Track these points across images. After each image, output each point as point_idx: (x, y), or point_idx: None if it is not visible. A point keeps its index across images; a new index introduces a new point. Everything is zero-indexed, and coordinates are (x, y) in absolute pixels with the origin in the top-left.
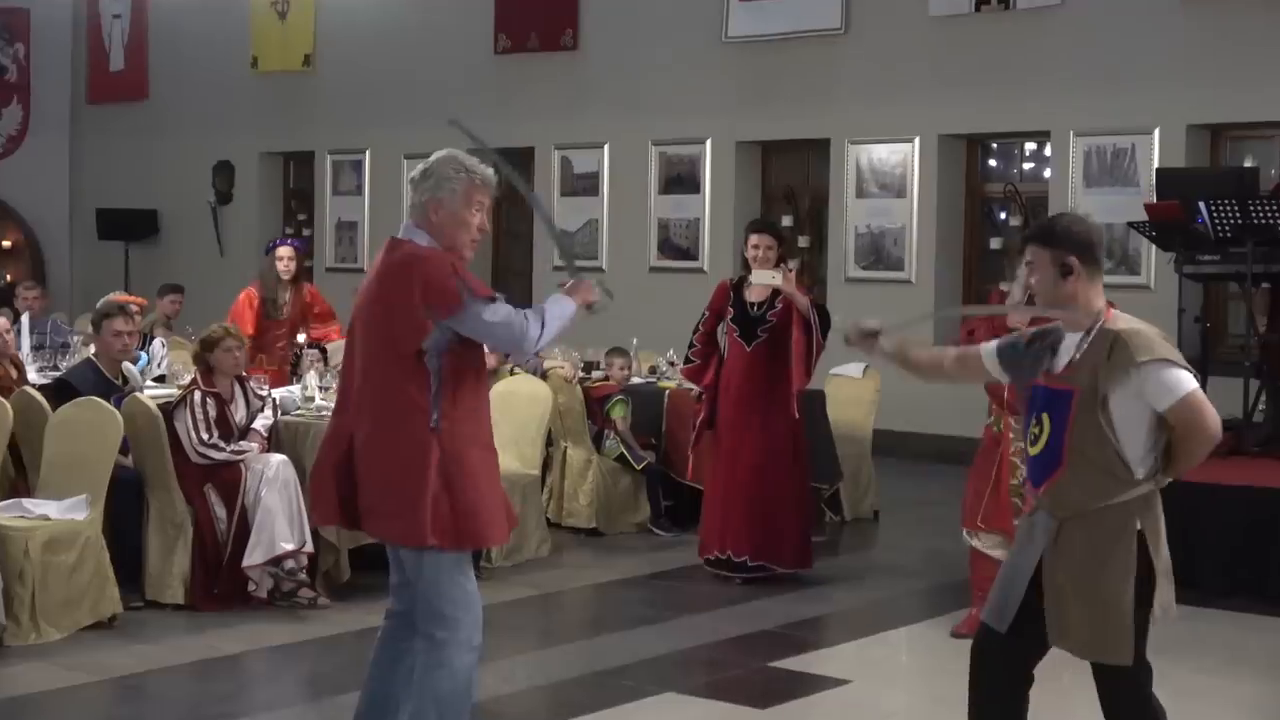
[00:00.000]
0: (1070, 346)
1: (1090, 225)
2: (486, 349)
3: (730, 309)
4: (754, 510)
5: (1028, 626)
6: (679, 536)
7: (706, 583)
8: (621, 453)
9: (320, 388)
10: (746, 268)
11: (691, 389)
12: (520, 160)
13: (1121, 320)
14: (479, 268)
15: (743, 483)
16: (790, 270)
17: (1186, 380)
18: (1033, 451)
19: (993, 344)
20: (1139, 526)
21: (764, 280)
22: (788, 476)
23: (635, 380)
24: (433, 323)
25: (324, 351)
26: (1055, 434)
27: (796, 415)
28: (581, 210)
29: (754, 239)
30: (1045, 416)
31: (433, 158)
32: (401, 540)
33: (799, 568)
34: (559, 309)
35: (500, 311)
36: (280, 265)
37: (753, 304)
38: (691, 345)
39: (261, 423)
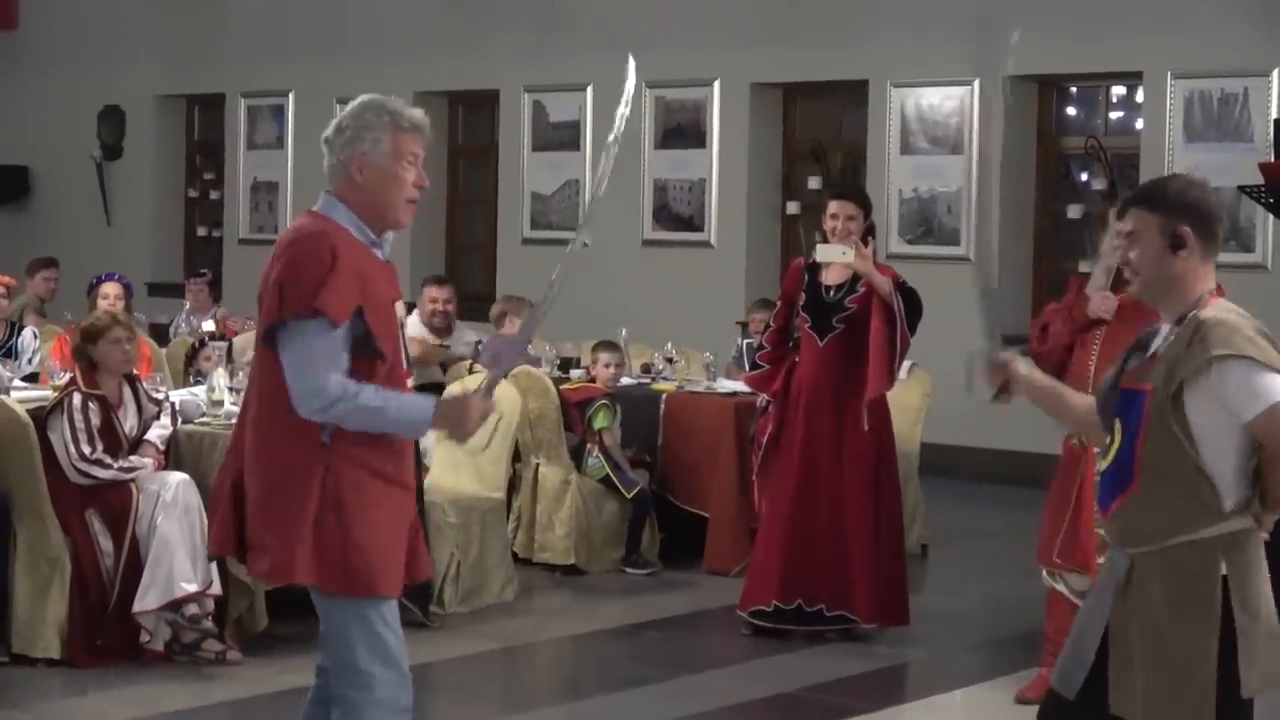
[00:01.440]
0: (1159, 339)
1: (1209, 191)
2: (406, 341)
3: (803, 294)
4: (833, 546)
5: (1101, 696)
6: (663, 575)
7: (713, 634)
8: (607, 473)
9: (230, 389)
10: (825, 241)
11: (756, 397)
12: (481, 106)
13: (1217, 308)
14: (429, 241)
15: (817, 512)
16: (866, 247)
17: (1277, 386)
18: (1101, 465)
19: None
20: (1224, 571)
21: (832, 257)
22: (874, 503)
23: (625, 381)
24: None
25: (232, 348)
26: (1126, 443)
27: (866, 426)
28: (558, 168)
29: (833, 206)
30: (1117, 423)
31: (348, 108)
32: (283, 577)
33: (892, 622)
34: (397, 410)
35: (327, 348)
36: (104, 306)
37: (829, 287)
38: (760, 347)
39: (157, 433)
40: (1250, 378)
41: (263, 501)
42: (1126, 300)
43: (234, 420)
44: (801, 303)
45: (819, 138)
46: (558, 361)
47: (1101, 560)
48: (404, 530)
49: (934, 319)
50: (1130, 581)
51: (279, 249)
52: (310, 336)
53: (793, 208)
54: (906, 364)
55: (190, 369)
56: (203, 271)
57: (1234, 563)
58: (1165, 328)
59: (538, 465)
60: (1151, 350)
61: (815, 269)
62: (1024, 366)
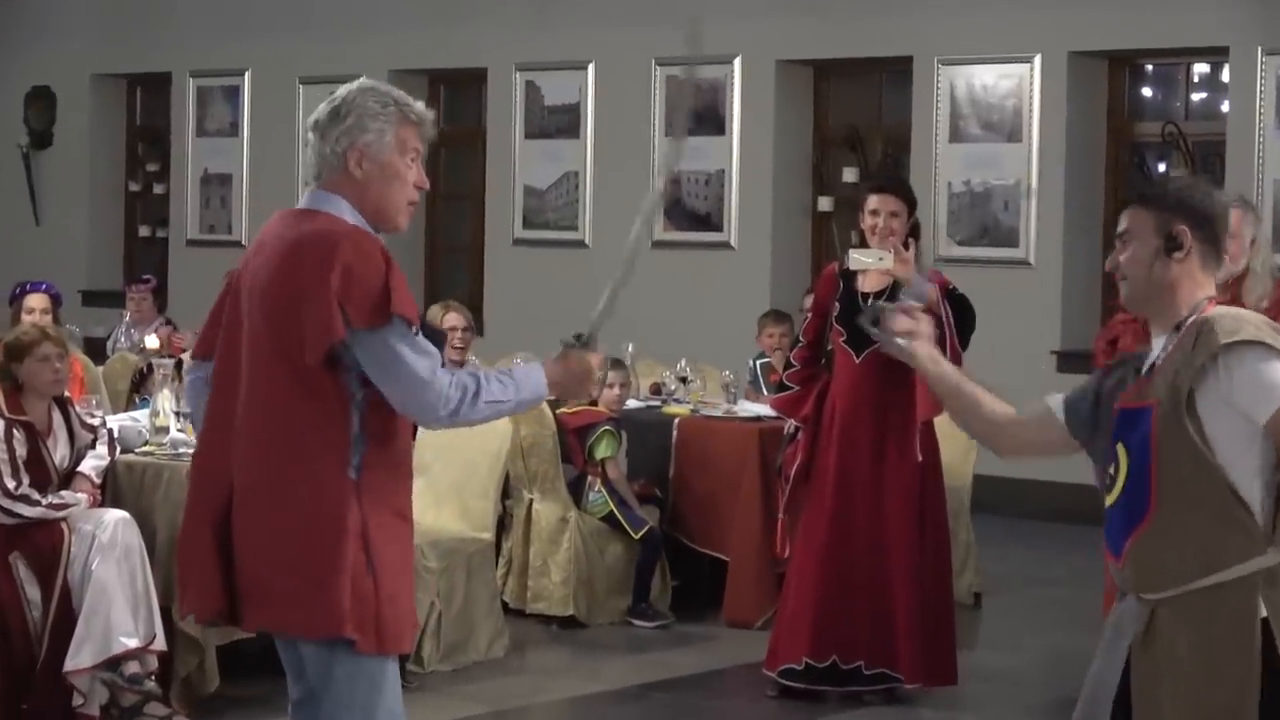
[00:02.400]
0: (1154, 354)
1: (1215, 195)
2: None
3: (837, 304)
4: (872, 595)
5: None
6: (676, 628)
7: (734, 696)
8: (611, 510)
9: (179, 414)
10: (864, 242)
11: (783, 423)
12: (466, 86)
13: (1220, 309)
14: (406, 241)
15: (854, 556)
16: (907, 250)
17: None
18: (1109, 502)
19: (1058, 397)
20: (1263, 614)
21: (867, 263)
22: (919, 545)
23: (632, 404)
24: (346, 329)
25: (181, 366)
26: (1136, 468)
27: (920, 457)
28: (555, 158)
29: (872, 202)
30: (1120, 447)
31: (344, 91)
32: (306, 632)
33: (939, 681)
34: (517, 392)
35: (423, 350)
36: (28, 321)
37: (866, 295)
38: (789, 365)
39: (92, 464)
40: (1263, 367)
41: (284, 545)
42: None
43: (183, 450)
44: (835, 313)
45: (855, 123)
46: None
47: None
48: (412, 573)
49: (988, 330)
50: (1152, 634)
51: (310, 244)
52: (395, 341)
53: (825, 203)
54: None
55: (137, 395)
56: (145, 278)
57: (1274, 602)
58: (1159, 341)
59: (531, 501)
60: (1149, 363)
61: (851, 274)
62: (925, 346)
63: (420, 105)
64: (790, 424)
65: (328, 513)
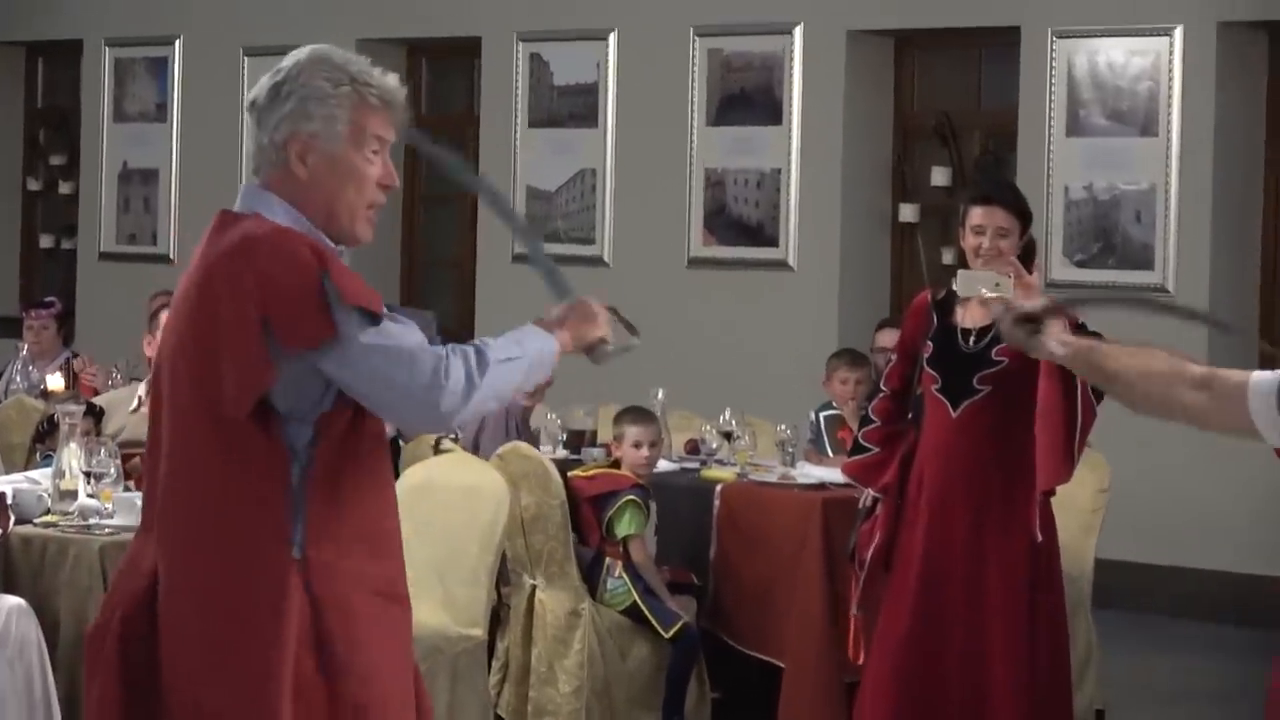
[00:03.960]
0: None
1: None
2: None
3: (930, 343)
4: (968, 711)
5: None
6: None
7: None
8: (635, 601)
9: (90, 474)
10: (964, 265)
11: (856, 493)
12: (455, 61)
13: None
14: (380, 253)
15: (945, 662)
16: (1029, 274)
17: None
18: None
19: (1272, 375)
20: None
21: (976, 289)
22: (1028, 649)
23: (663, 466)
24: (278, 362)
25: (96, 412)
26: None
27: (1039, 536)
28: (567, 152)
29: (976, 215)
30: None
31: (289, 62)
32: None
33: None
34: (522, 348)
35: (395, 336)
36: None
37: (967, 332)
38: (867, 419)
39: None
40: None
41: (210, 650)
42: None
43: (95, 520)
44: (927, 355)
45: (947, 110)
46: (564, 437)
47: None
48: (409, 661)
49: None
50: None
51: (221, 263)
52: (359, 344)
53: (908, 212)
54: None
55: (37, 450)
56: (47, 301)
57: None
58: None
59: (534, 589)
60: None
61: (946, 305)
62: (1057, 342)
63: (389, 80)
64: (866, 495)
65: (260, 608)
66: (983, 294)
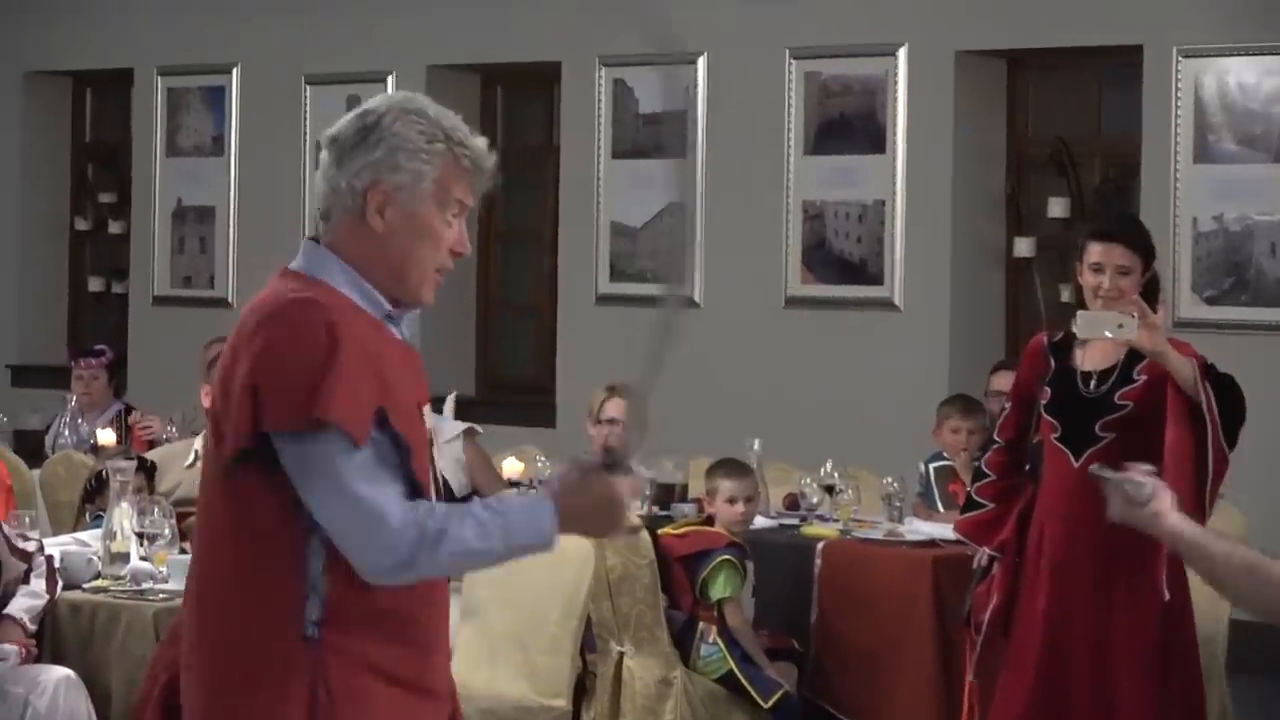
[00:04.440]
0: None
1: None
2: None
3: (1047, 389)
4: None
5: None
6: None
7: None
8: (731, 668)
9: (142, 535)
10: (1083, 304)
11: (970, 551)
12: (531, 88)
13: None
14: (448, 298)
15: None
16: (1154, 313)
17: None
18: None
19: None
20: None
21: (1099, 331)
22: (1159, 718)
23: (761, 523)
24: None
25: (148, 468)
26: None
27: (1169, 595)
28: (653, 185)
29: (1096, 251)
30: None
31: (380, 104)
32: None
33: None
34: (508, 528)
35: (369, 473)
36: None
37: (1087, 375)
38: (980, 473)
39: (25, 605)
40: None
41: None
42: None
43: (149, 585)
44: (1045, 401)
45: (1063, 136)
46: (652, 492)
47: None
48: None
49: (1259, 423)
50: None
51: (247, 321)
52: (323, 458)
53: (1023, 246)
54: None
55: (87, 510)
56: (97, 349)
57: None
58: None
59: (622, 656)
60: None
61: (1064, 347)
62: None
63: (480, 142)
64: (982, 554)
65: (266, 684)
66: (1105, 336)
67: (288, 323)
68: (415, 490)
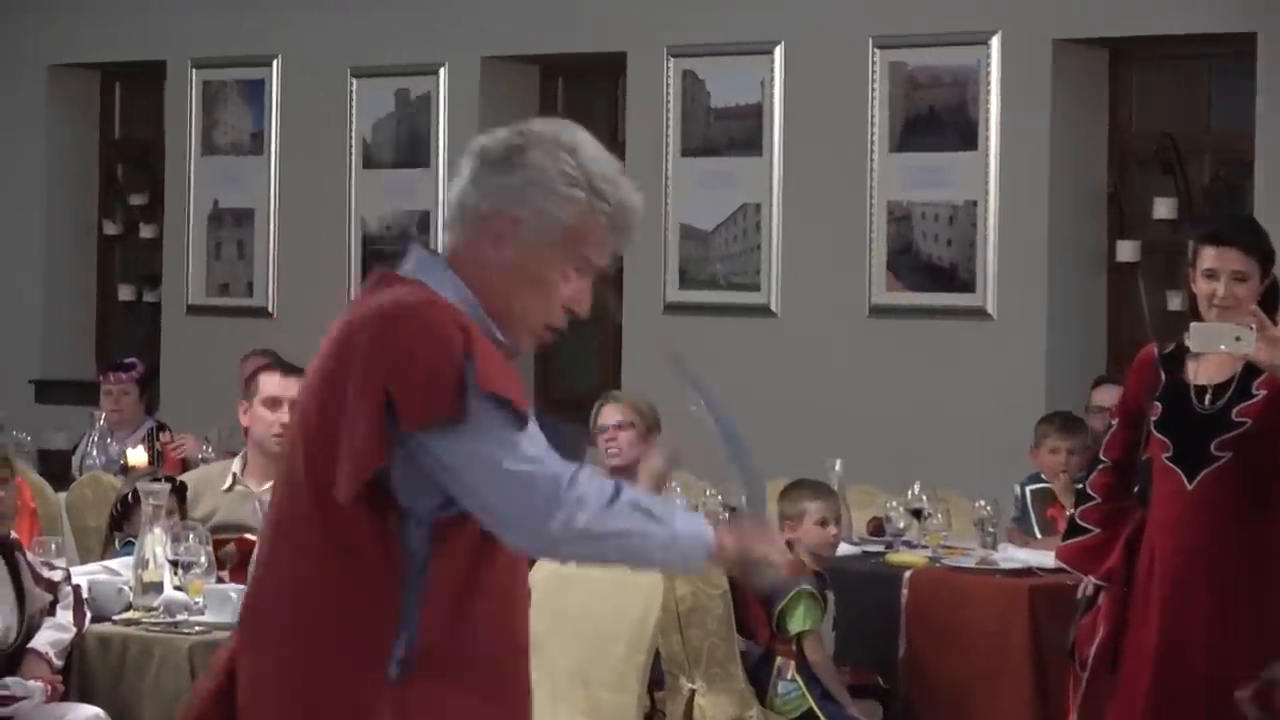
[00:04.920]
0: None
1: None
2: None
3: (1157, 404)
4: None
5: None
6: None
7: None
8: (810, 707)
9: (177, 564)
10: (1195, 312)
11: (1072, 580)
12: (596, 80)
13: None
14: None
15: None
16: (1275, 325)
17: None
18: None
19: None
20: None
21: (1215, 345)
22: None
23: (844, 550)
24: (395, 443)
25: (180, 490)
26: None
27: None
28: (726, 184)
29: (1207, 258)
30: None
31: (542, 125)
32: None
33: None
34: (672, 515)
35: (534, 448)
36: None
37: (1201, 390)
38: (1084, 495)
39: (51, 639)
40: None
41: None
42: None
43: (183, 617)
44: (1155, 417)
45: (1171, 131)
46: (724, 515)
47: None
48: None
49: None
50: None
51: (356, 325)
52: (506, 436)
53: (1127, 250)
54: None
55: (117, 536)
56: (128, 362)
57: None
58: None
59: (693, 693)
60: None
61: (1175, 359)
62: None
63: (632, 199)
64: (1087, 583)
65: None
66: (1221, 350)
67: (419, 321)
68: None
